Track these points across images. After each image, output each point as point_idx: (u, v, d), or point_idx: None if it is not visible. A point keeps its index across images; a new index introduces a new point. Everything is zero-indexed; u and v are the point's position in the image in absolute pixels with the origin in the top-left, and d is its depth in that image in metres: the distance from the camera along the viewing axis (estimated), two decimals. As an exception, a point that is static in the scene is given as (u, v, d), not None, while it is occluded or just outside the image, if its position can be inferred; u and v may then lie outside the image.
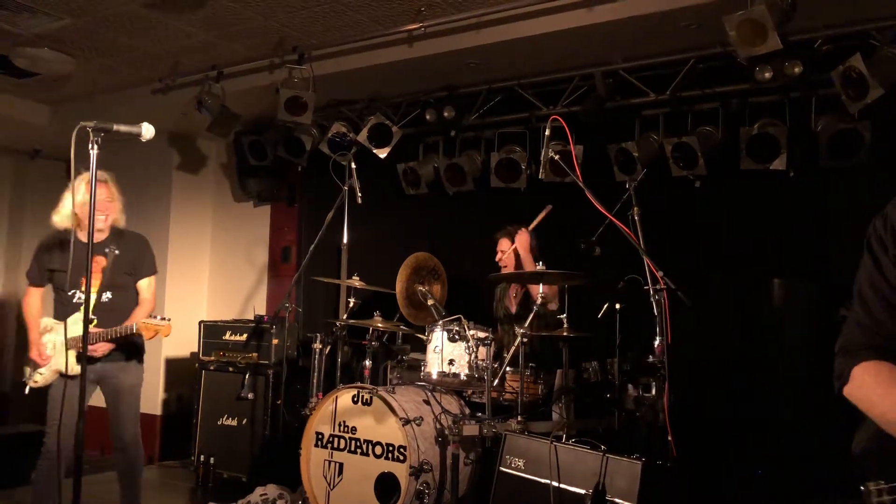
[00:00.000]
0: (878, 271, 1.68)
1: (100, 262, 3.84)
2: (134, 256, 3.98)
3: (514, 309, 4.64)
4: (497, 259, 4.71)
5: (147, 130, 2.74)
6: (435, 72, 5.47)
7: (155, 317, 3.72)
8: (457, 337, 3.78)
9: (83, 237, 3.80)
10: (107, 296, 3.86)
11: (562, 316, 3.87)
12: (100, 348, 3.74)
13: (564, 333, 3.79)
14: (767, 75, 4.40)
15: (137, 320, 3.72)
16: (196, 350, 5.85)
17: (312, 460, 3.93)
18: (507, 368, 3.79)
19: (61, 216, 3.81)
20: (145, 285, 4.03)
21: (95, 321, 3.72)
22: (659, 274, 3.55)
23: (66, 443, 3.44)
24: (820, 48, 4.42)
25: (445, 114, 5.58)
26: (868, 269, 1.71)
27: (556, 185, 4.92)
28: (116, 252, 3.89)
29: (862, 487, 1.50)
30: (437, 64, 5.29)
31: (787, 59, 4.34)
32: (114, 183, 3.98)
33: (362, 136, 5.72)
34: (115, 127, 2.63)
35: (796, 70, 4.34)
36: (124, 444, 3.87)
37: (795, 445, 4.19)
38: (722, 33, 4.06)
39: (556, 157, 4.40)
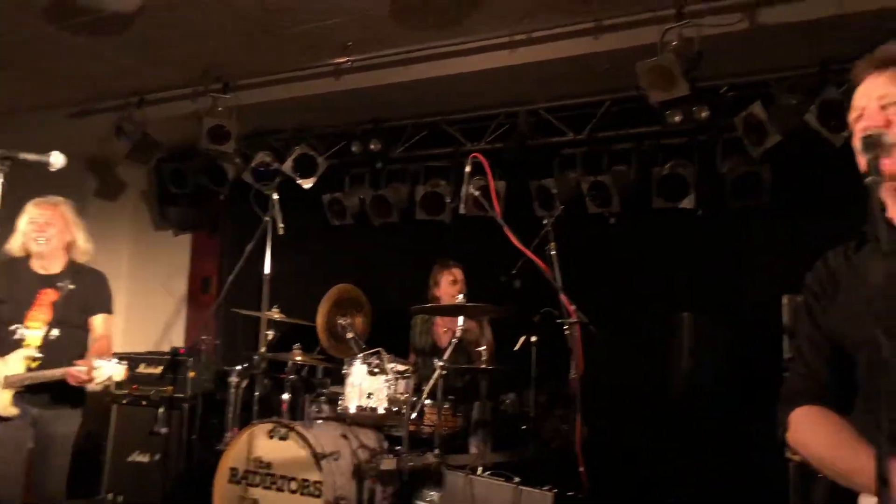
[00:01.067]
0: (811, 320, 1.75)
1: (50, 296, 3.53)
2: (89, 293, 3.66)
3: (443, 342, 4.65)
4: (458, 290, 4.68)
5: (56, 159, 2.62)
6: (362, 105, 5.54)
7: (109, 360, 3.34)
8: (376, 370, 3.78)
9: (39, 268, 3.56)
10: (54, 333, 3.49)
11: (480, 349, 3.92)
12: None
13: (482, 366, 3.84)
14: (677, 118, 4.64)
15: (87, 361, 3.33)
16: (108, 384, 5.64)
17: (226, 497, 3.83)
18: (426, 401, 3.81)
19: (12, 244, 3.60)
20: (99, 323, 3.68)
21: (39, 360, 3.40)
22: (571, 307, 3.65)
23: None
24: (725, 94, 4.69)
25: (372, 146, 5.64)
26: (803, 319, 1.78)
27: (479, 219, 5.01)
28: (71, 287, 3.57)
29: None
30: (364, 97, 5.36)
31: (696, 103, 4.59)
32: (70, 209, 3.70)
33: (287, 167, 5.71)
34: (22, 156, 2.52)
35: (703, 114, 4.59)
36: (45, 499, 3.50)
37: (704, 476, 4.34)
38: (636, 77, 4.27)
39: (477, 194, 4.50)
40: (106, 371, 3.30)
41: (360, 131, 5.75)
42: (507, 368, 3.92)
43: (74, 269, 3.66)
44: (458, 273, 4.74)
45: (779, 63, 4.52)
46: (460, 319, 3.88)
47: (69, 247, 3.68)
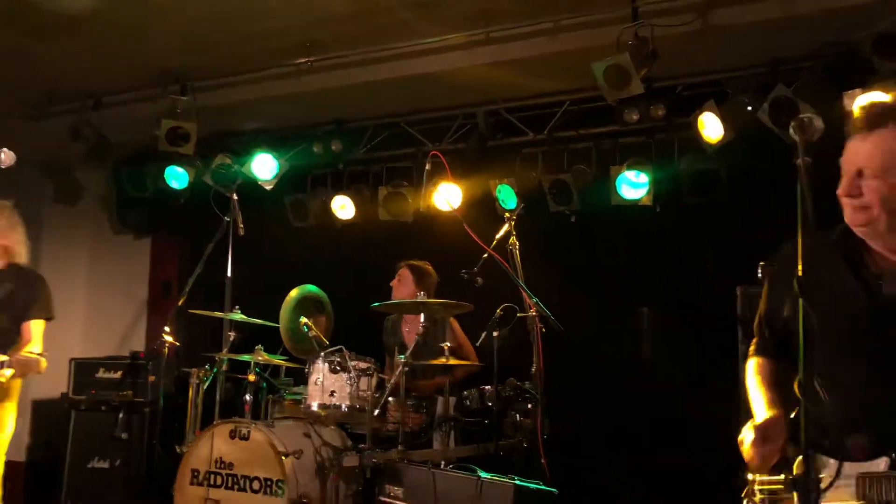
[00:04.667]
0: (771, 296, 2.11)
1: None
2: (26, 296, 3.62)
3: (409, 341, 4.66)
4: (406, 290, 4.69)
5: (6, 156, 2.60)
6: (323, 105, 5.53)
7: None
8: (338, 368, 3.77)
9: None
10: None
11: (443, 345, 3.95)
12: None
13: (445, 362, 3.86)
14: (634, 117, 4.72)
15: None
16: (66, 390, 5.55)
17: (188, 499, 3.79)
18: (390, 398, 3.82)
19: None
20: (31, 327, 3.62)
21: None
22: (532, 302, 3.70)
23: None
24: (681, 93, 4.79)
25: (333, 147, 5.63)
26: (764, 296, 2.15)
27: (441, 217, 5.05)
28: (10, 287, 3.55)
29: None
30: (325, 98, 5.36)
31: (652, 102, 4.68)
32: (11, 212, 3.69)
33: (248, 168, 5.67)
34: (-32, 154, 2.49)
35: (660, 113, 4.68)
36: None
37: (664, 465, 4.42)
38: (593, 77, 4.33)
39: (438, 193, 4.53)
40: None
41: (322, 132, 5.74)
42: (468, 364, 3.96)
43: (14, 270, 3.66)
44: (403, 273, 4.76)
45: (732, 62, 4.63)
46: (422, 317, 3.90)
47: (7, 250, 3.66)
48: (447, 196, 4.84)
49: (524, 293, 3.74)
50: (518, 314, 3.81)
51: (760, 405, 1.99)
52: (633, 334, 4.84)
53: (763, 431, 1.87)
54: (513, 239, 4.05)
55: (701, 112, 4.47)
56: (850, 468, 1.70)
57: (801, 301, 1.61)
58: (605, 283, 5.05)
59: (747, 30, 4.23)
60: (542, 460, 3.40)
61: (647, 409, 4.67)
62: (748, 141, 4.50)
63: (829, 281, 1.87)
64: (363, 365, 3.81)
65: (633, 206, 4.89)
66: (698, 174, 4.76)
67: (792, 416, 1.89)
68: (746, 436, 1.89)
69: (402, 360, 3.61)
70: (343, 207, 5.74)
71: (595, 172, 5.05)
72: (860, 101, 3.97)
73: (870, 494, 1.67)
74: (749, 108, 4.30)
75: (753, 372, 2.12)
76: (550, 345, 3.84)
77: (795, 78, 4.31)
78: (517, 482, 3.12)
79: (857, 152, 1.84)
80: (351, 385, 3.74)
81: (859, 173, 1.83)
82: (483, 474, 3.25)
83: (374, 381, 3.76)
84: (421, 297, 4.05)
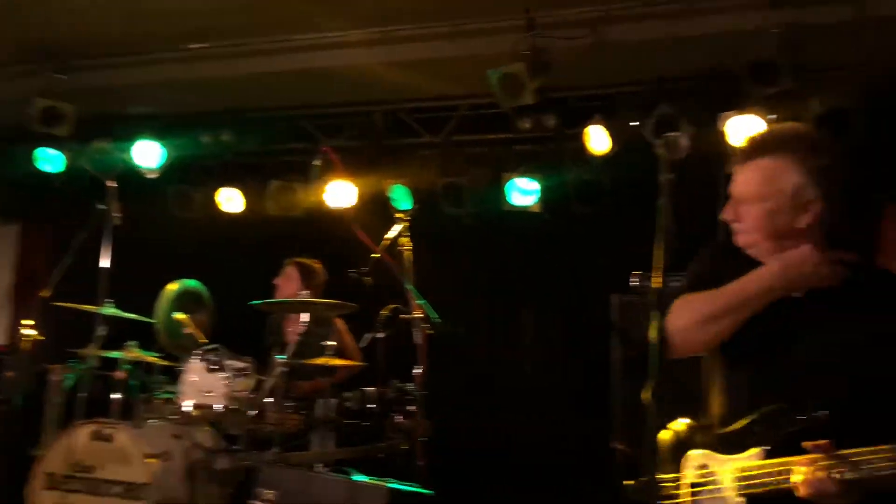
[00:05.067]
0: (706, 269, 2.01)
1: None
2: None
3: (291, 340, 4.55)
4: (292, 288, 4.56)
5: None
6: (214, 94, 5.34)
7: None
8: (214, 367, 3.63)
9: None
10: None
11: (326, 345, 3.87)
12: None
13: (327, 362, 3.79)
14: (527, 125, 4.82)
15: None
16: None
17: (43, 504, 3.55)
18: (267, 399, 3.71)
19: None
20: None
21: None
22: (417, 303, 3.69)
23: None
24: (571, 105, 4.91)
25: (224, 137, 5.43)
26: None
27: (332, 214, 4.98)
28: None
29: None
30: (217, 86, 5.17)
31: (544, 112, 4.78)
32: None
33: (131, 155, 5.39)
34: None
35: (551, 123, 4.79)
36: None
37: (543, 467, 4.51)
38: (489, 84, 4.37)
39: (330, 189, 4.45)
40: None
41: (211, 121, 5.52)
42: (350, 365, 3.90)
43: None
44: (290, 271, 4.65)
45: (621, 78, 4.79)
46: (303, 316, 3.81)
47: None
48: (339, 193, 4.77)
49: (409, 294, 3.73)
50: (404, 316, 3.79)
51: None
52: (518, 338, 4.93)
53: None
54: (404, 240, 4.03)
55: (589, 124, 4.60)
56: (728, 461, 1.77)
57: (657, 313, 1.64)
58: (494, 286, 5.12)
59: (636, 48, 4.38)
60: (420, 462, 3.38)
61: (528, 412, 4.76)
62: (632, 154, 4.66)
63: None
64: (240, 364, 3.69)
65: (524, 212, 4.97)
66: (585, 184, 4.90)
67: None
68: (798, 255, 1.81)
69: (281, 360, 3.51)
70: (230, 200, 5.55)
71: (489, 177, 5.11)
72: (745, 132, 4.22)
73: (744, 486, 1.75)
74: (634, 123, 4.46)
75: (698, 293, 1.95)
76: (436, 347, 3.85)
77: (679, 97, 4.50)
78: (392, 485, 3.09)
79: (738, 180, 1.93)
80: (227, 385, 3.60)
81: (739, 200, 1.92)
82: (358, 477, 3.20)
83: (251, 381, 3.64)
84: (304, 295, 3.96)
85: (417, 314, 3.73)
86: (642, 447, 1.54)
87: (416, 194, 5.10)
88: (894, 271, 1.93)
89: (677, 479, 1.84)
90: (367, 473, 3.35)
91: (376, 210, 5.07)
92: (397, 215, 4.14)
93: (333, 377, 4.11)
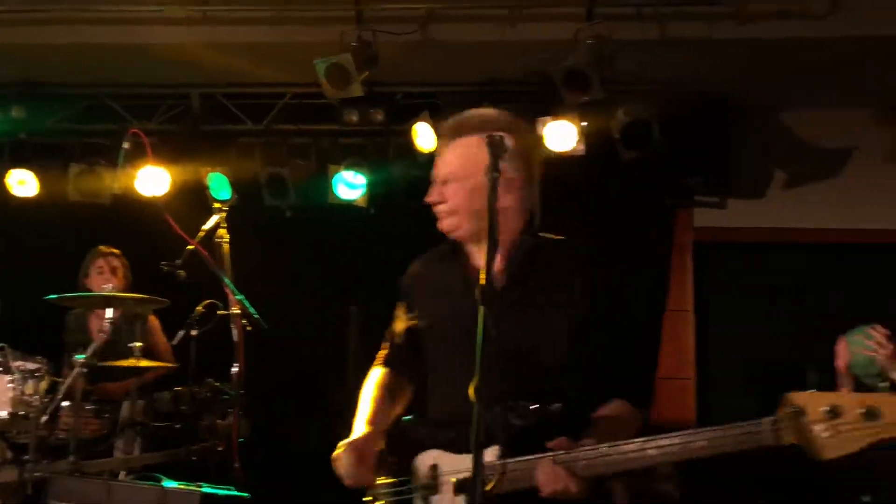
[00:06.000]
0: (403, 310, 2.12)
1: None
2: None
3: (98, 336, 4.17)
4: (115, 281, 4.16)
5: None
6: (8, 64, 4.79)
7: None
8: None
9: None
10: None
11: (133, 344, 3.60)
12: None
13: (135, 363, 3.53)
14: (354, 118, 4.78)
15: None
16: None
17: None
18: (64, 403, 3.38)
19: None
20: None
21: None
22: (236, 299, 3.54)
23: None
24: (399, 101, 4.94)
25: (14, 113, 4.89)
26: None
27: (142, 202, 4.64)
28: None
29: None
30: (12, 56, 4.65)
31: (372, 106, 4.77)
32: None
33: None
34: None
35: (378, 117, 4.78)
36: None
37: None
38: (315, 73, 4.28)
39: (140, 175, 4.14)
40: None
41: (3, 95, 4.95)
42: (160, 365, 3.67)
43: None
44: (114, 261, 4.31)
45: (448, 77, 4.88)
46: (108, 312, 3.52)
47: None
48: (151, 180, 4.46)
49: (226, 289, 3.56)
50: (220, 311, 3.62)
51: (361, 421, 2.02)
52: (344, 335, 4.87)
53: (355, 451, 1.89)
54: (222, 231, 3.84)
55: (416, 121, 4.64)
56: (459, 460, 1.77)
57: (482, 309, 1.66)
58: (318, 282, 5.03)
59: (462, 48, 4.48)
60: (236, 464, 3.24)
61: (353, 411, 4.72)
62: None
63: (443, 287, 2.00)
64: (31, 366, 3.34)
65: (350, 206, 4.93)
66: (412, 180, 4.93)
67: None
68: (341, 456, 1.90)
69: (80, 360, 3.22)
70: (23, 183, 5.00)
71: (313, 169, 5.01)
72: (561, 137, 4.46)
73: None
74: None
75: (372, 384, 2.14)
76: (255, 344, 3.71)
77: (502, 100, 4.65)
78: (205, 489, 2.94)
79: (443, 160, 1.94)
80: (14, 389, 3.24)
81: (442, 180, 1.91)
82: (168, 483, 3.01)
83: (43, 384, 3.30)
84: (109, 289, 3.66)
85: (235, 310, 3.57)
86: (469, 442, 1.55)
87: (236, 184, 4.88)
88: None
89: (408, 482, 1.86)
90: (178, 479, 3.15)
91: (192, 199, 4.78)
92: (215, 205, 3.93)
93: (143, 377, 3.84)
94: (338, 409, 4.64)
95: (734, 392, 4.94)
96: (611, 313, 1.87)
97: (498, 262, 1.83)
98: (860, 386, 2.99)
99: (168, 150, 4.76)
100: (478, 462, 1.56)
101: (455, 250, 2.02)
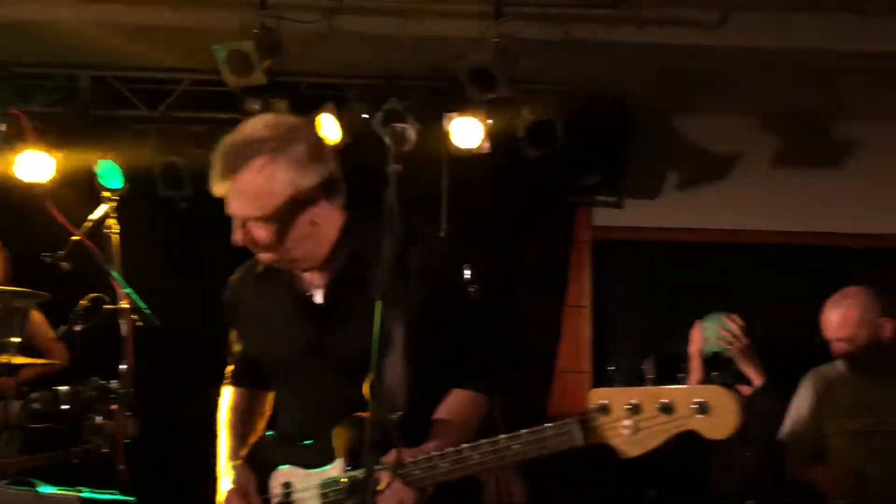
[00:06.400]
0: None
1: None
2: None
3: None
4: None
5: None
6: None
7: None
8: None
9: None
10: None
11: (9, 340, 3.38)
12: None
13: (9, 361, 3.31)
14: (256, 108, 4.62)
15: None
16: None
17: None
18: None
19: None
20: None
21: None
22: (124, 292, 3.38)
23: None
24: (304, 92, 4.83)
25: None
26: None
27: (23, 190, 4.36)
28: None
29: None
30: None
31: (275, 96, 4.64)
32: None
33: None
34: None
35: (282, 107, 4.65)
36: None
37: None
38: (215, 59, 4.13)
39: (20, 160, 3.89)
40: None
41: None
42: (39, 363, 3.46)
43: None
44: None
45: (354, 70, 4.82)
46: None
47: None
48: (33, 165, 4.20)
49: (114, 282, 3.40)
50: (107, 306, 3.44)
51: (224, 459, 2.01)
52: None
53: (239, 498, 1.88)
54: (112, 222, 3.67)
55: (320, 113, 4.56)
56: (310, 476, 1.76)
57: (378, 304, 1.62)
58: (213, 275, 4.83)
59: (368, 41, 4.43)
60: (121, 466, 3.09)
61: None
62: (363, 145, 4.71)
63: (269, 312, 1.96)
64: None
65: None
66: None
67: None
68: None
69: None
70: None
71: (211, 159, 4.83)
72: (465, 132, 4.47)
73: (332, 497, 1.74)
74: (364, 115, 4.51)
75: (226, 408, 2.14)
76: (146, 340, 3.56)
77: (408, 94, 4.64)
78: (85, 494, 2.79)
79: (232, 202, 1.84)
80: None
81: (243, 221, 1.83)
82: (44, 488, 2.83)
83: None
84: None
85: (124, 304, 3.41)
86: (362, 444, 1.52)
87: (128, 173, 4.65)
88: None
89: (267, 499, 1.84)
90: (57, 483, 2.97)
91: (79, 187, 4.54)
92: (104, 194, 3.75)
93: (19, 376, 3.60)
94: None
95: (628, 385, 5.12)
96: (445, 302, 1.83)
97: (321, 276, 1.83)
98: (709, 373, 3.09)
99: (54, 134, 4.49)
100: (371, 462, 1.54)
101: (278, 268, 1.93)
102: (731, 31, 4.24)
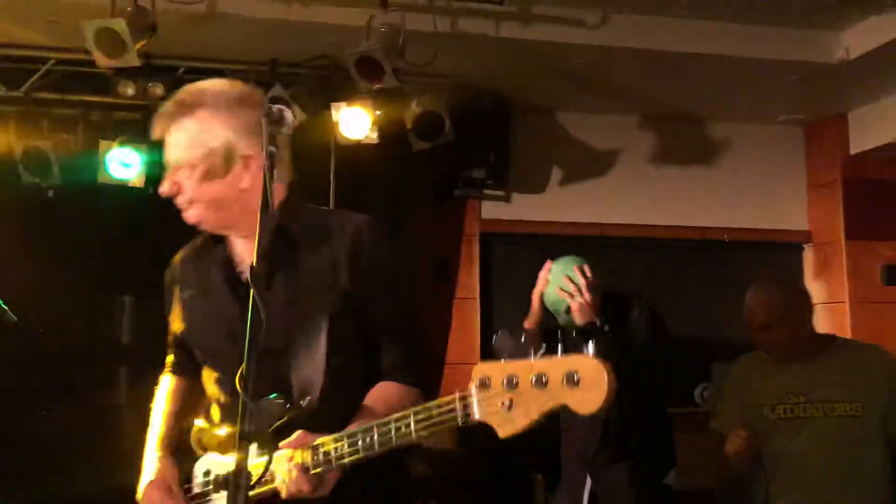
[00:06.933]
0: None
1: None
2: None
3: None
4: None
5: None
6: None
7: None
8: None
9: None
10: None
11: None
12: None
13: None
14: (130, 91, 4.40)
15: None
16: None
17: None
18: None
19: None
20: None
21: None
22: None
23: None
24: (182, 76, 4.61)
25: None
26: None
27: None
28: None
29: None
30: None
31: (151, 79, 4.41)
32: None
33: None
34: None
35: (158, 92, 4.43)
36: None
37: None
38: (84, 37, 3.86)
39: None
40: None
41: None
42: None
43: None
44: None
45: (236, 55, 4.63)
46: None
47: None
48: None
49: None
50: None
51: (153, 446, 1.92)
52: (113, 330, 4.50)
53: (160, 489, 1.81)
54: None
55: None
56: (225, 464, 1.70)
57: (252, 292, 1.55)
58: (84, 269, 4.58)
59: (252, 24, 4.27)
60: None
61: (125, 412, 4.39)
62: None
63: (202, 288, 1.89)
64: None
65: (123, 186, 4.53)
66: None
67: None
68: (147, 496, 1.83)
69: None
70: None
71: (81, 145, 4.55)
72: (353, 123, 4.38)
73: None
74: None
75: (163, 396, 2.03)
76: (3, 338, 3.33)
77: (293, 82, 4.53)
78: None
79: (170, 143, 1.80)
80: None
81: (175, 168, 1.79)
82: None
83: None
84: None
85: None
86: (239, 436, 1.44)
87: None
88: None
89: (189, 488, 1.80)
90: None
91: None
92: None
93: None
94: (108, 410, 4.31)
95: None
96: (372, 293, 1.79)
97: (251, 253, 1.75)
98: (548, 316, 2.92)
99: None
100: (242, 457, 1.47)
101: (216, 241, 1.88)
102: (611, 30, 4.38)
